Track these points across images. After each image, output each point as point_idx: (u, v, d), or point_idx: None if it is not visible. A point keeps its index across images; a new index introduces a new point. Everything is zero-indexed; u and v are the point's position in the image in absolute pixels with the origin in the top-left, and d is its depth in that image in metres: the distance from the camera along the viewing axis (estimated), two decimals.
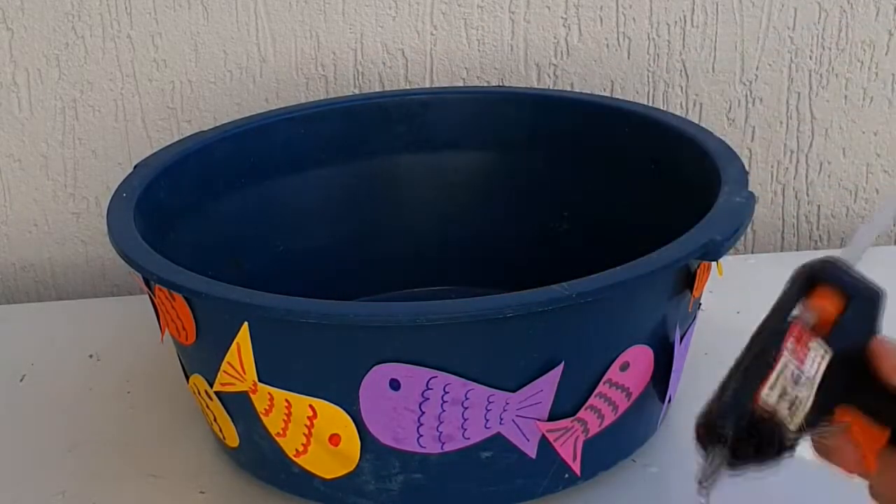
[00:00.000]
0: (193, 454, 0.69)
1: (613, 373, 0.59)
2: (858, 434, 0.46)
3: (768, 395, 0.45)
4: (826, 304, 0.46)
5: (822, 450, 0.47)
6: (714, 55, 0.92)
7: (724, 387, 0.45)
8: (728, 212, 0.61)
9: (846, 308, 0.45)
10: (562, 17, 0.90)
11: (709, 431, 0.45)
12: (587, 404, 0.59)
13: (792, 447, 0.45)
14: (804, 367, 0.45)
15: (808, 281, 0.46)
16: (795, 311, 0.46)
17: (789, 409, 0.45)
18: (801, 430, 0.45)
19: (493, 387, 0.56)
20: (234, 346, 0.58)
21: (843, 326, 0.45)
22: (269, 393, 0.59)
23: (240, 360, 0.58)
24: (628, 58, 0.91)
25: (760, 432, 0.45)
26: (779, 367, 0.45)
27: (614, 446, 0.64)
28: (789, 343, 0.45)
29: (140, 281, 0.64)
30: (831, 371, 0.45)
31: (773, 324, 0.46)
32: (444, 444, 0.58)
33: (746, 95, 0.93)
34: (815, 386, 0.45)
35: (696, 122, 0.90)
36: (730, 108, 0.93)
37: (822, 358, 0.45)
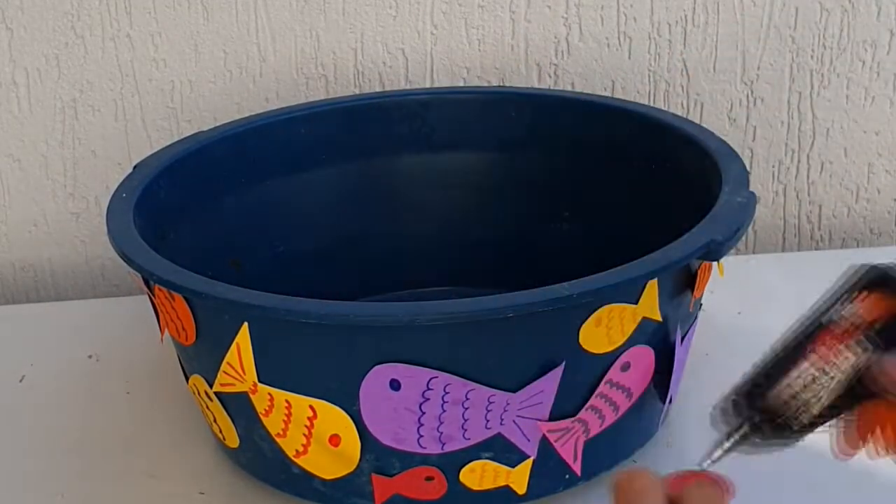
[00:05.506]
0: (193, 454, 0.69)
1: (614, 373, 0.59)
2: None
3: (784, 389, 0.47)
4: (874, 308, 0.47)
5: (852, 434, 0.48)
6: (715, 55, 0.92)
7: (753, 373, 0.48)
8: (729, 212, 0.61)
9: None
10: (562, 17, 0.90)
11: (726, 413, 0.48)
12: (588, 405, 0.59)
13: (807, 431, 0.47)
14: (831, 367, 0.46)
15: (864, 282, 0.47)
16: (842, 310, 0.47)
17: (804, 405, 0.47)
18: (815, 423, 0.47)
19: (494, 387, 0.56)
20: (233, 346, 0.58)
21: (888, 329, 0.46)
22: (269, 393, 0.58)
23: (239, 361, 0.58)
24: (629, 57, 0.91)
25: (772, 420, 0.47)
26: (801, 367, 0.47)
27: (615, 447, 0.64)
28: (818, 346, 0.47)
29: (140, 281, 0.64)
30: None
31: (813, 320, 0.47)
32: (444, 444, 0.58)
33: (748, 95, 0.93)
34: (833, 387, 0.46)
35: (697, 121, 0.90)
36: (731, 107, 0.93)
37: (856, 358, 0.46)
